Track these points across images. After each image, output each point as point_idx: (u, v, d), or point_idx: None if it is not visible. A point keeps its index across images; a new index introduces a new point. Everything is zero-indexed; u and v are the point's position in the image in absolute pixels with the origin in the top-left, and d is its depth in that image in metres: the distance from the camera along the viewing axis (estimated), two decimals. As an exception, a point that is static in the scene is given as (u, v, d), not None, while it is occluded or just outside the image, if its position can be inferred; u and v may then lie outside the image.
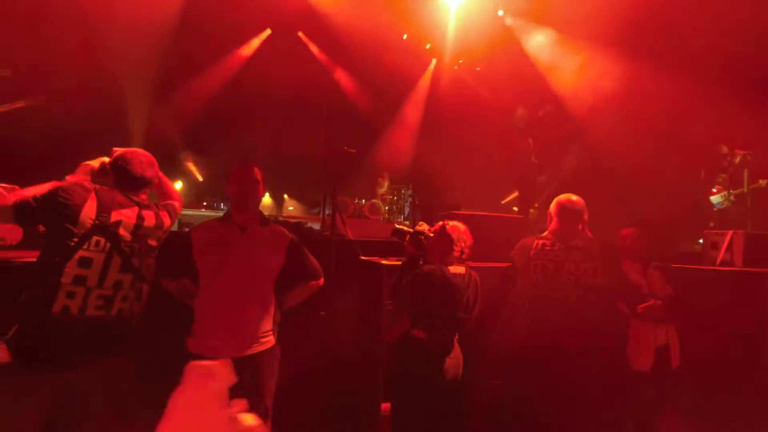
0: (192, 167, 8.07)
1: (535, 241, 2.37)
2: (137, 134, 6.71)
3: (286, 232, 2.09)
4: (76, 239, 1.69)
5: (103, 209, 1.75)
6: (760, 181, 4.75)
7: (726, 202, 5.05)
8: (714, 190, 5.18)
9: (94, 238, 1.72)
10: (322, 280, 2.15)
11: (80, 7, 5.05)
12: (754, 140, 4.94)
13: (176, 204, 2.09)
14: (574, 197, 2.41)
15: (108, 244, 1.75)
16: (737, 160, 4.96)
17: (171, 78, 6.75)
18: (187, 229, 2.15)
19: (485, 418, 2.53)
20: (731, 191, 5.00)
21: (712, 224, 5.03)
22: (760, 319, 3.01)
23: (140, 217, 1.85)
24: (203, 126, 7.26)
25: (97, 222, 1.73)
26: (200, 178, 8.18)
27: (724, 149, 5.12)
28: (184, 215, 5.72)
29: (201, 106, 7.21)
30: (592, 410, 2.12)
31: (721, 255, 3.55)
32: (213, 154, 7.60)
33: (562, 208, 2.38)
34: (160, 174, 2.04)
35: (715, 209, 5.17)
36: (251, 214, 2.02)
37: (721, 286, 3.24)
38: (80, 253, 1.69)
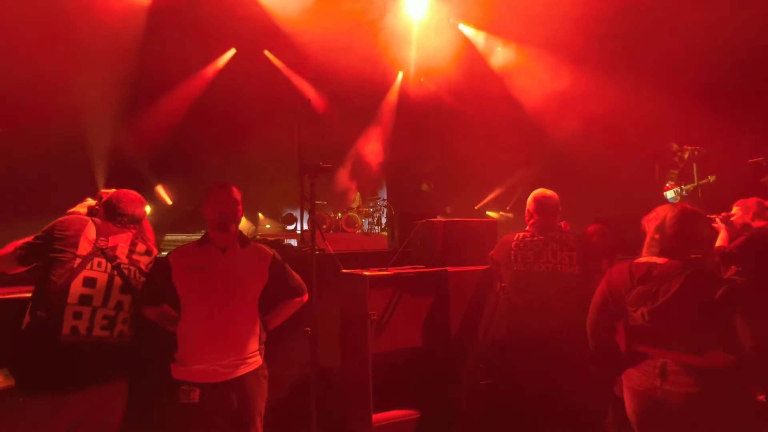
0: (161, 191, 7.84)
1: (517, 234, 2.49)
2: (101, 161, 6.49)
3: (268, 250, 2.09)
4: (79, 260, 1.76)
5: (101, 234, 1.87)
6: (709, 177, 5.14)
7: (678, 197, 5.42)
8: (667, 186, 5.56)
9: (96, 259, 1.81)
10: (306, 297, 2.16)
11: (40, 31, 4.90)
12: (701, 137, 5.35)
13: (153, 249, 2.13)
14: (548, 192, 2.53)
15: (109, 265, 1.84)
16: (686, 155, 5.34)
17: (135, 101, 6.59)
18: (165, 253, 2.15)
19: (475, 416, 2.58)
20: (683, 186, 5.37)
21: (668, 216, 5.37)
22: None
23: (133, 243, 1.98)
24: (170, 148, 7.10)
25: (96, 244, 1.83)
26: (169, 202, 7.94)
27: (674, 146, 5.50)
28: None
29: (167, 128, 7.06)
30: (578, 396, 2.17)
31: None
32: (182, 176, 7.43)
33: (539, 202, 2.51)
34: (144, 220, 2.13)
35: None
36: (231, 234, 2.01)
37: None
38: (84, 272, 1.76)
